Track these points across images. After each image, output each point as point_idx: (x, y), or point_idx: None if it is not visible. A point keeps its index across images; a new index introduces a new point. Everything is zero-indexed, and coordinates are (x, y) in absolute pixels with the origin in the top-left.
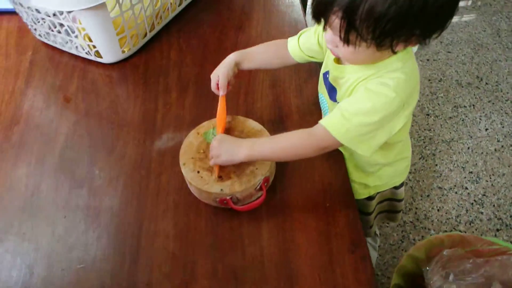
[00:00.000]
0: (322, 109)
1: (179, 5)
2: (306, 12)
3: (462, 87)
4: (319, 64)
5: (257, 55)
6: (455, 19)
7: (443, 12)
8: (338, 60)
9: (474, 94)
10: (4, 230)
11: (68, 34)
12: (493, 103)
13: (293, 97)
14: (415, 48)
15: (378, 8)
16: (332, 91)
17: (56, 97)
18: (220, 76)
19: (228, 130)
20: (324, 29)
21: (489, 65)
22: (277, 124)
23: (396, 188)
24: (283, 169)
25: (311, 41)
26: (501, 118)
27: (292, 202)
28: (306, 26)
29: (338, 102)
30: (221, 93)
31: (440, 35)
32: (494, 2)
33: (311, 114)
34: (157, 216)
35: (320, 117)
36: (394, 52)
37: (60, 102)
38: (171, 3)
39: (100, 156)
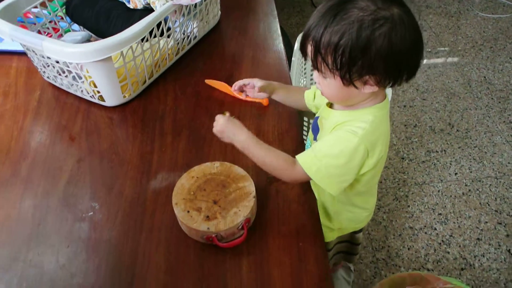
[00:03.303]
0: (306, 148)
1: (176, 54)
2: (291, 66)
3: (435, 133)
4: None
5: (290, 92)
6: (430, 68)
7: (388, 59)
8: (330, 105)
9: (446, 140)
10: (13, 256)
11: (75, 79)
12: (463, 149)
13: (275, 145)
14: (389, 94)
15: (334, 39)
16: (316, 131)
17: (62, 135)
18: (256, 81)
19: (216, 174)
20: (305, 59)
21: (460, 112)
22: (259, 169)
23: (355, 232)
24: (264, 211)
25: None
26: (469, 164)
27: (269, 241)
28: (290, 79)
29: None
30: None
31: (393, 85)
32: (466, 54)
33: None
34: (151, 250)
35: None
36: (356, 87)
37: (65, 140)
38: (168, 54)
39: (100, 193)
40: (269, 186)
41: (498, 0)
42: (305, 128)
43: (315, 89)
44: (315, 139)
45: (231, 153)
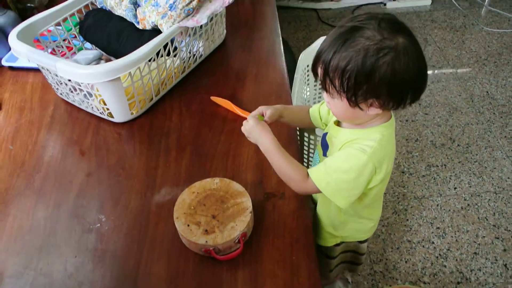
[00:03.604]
0: (313, 163)
1: (182, 72)
2: (293, 82)
3: (436, 147)
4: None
5: (294, 113)
6: (434, 83)
7: (392, 85)
8: (338, 123)
9: (446, 155)
10: (25, 265)
11: (86, 97)
12: (463, 164)
13: None
14: None
15: (341, 64)
16: (325, 147)
17: (73, 150)
18: (264, 109)
19: (216, 190)
20: (315, 79)
21: (461, 127)
22: (257, 185)
23: (360, 242)
24: (260, 226)
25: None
26: (469, 178)
27: (264, 254)
28: (290, 96)
29: (327, 157)
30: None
31: (397, 108)
32: (470, 69)
33: None
34: (153, 261)
35: None
36: (361, 109)
37: (76, 154)
38: (175, 72)
39: (107, 206)
40: (266, 201)
41: (504, 14)
42: (305, 144)
43: (318, 107)
44: (324, 154)
45: (231, 169)
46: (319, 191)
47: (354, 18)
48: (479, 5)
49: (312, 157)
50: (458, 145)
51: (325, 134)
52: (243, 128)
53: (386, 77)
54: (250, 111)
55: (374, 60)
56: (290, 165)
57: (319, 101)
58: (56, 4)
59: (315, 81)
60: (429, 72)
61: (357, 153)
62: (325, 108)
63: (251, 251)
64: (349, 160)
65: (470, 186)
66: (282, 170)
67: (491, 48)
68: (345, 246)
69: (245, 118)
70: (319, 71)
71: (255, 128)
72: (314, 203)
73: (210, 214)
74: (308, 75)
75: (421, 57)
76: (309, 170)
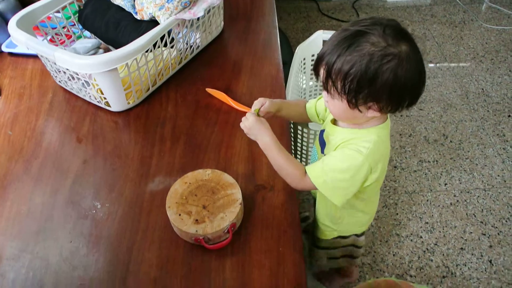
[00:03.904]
0: (311, 158)
1: (179, 63)
2: (289, 74)
3: (429, 143)
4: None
5: (291, 107)
6: (430, 78)
7: (392, 90)
8: (334, 122)
9: (439, 151)
10: (22, 248)
11: (83, 86)
12: (454, 160)
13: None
14: None
15: (345, 67)
16: (323, 145)
17: (70, 137)
18: (263, 101)
19: (207, 181)
20: (317, 79)
21: (455, 124)
22: (248, 177)
23: (357, 235)
24: (249, 217)
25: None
26: (459, 175)
27: (252, 244)
28: (285, 90)
29: (324, 154)
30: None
31: (395, 112)
32: (467, 65)
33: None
34: (144, 248)
35: None
36: (360, 111)
37: (73, 142)
38: (171, 63)
39: (102, 193)
40: (256, 193)
41: (503, 11)
42: (299, 137)
43: (314, 103)
44: (322, 152)
45: (223, 160)
46: (316, 188)
47: (359, 22)
48: (479, 1)
49: (305, 150)
50: (451, 141)
51: (322, 131)
52: (242, 125)
53: (388, 82)
54: (244, 104)
55: (378, 65)
56: (289, 162)
57: (315, 92)
58: None
59: (317, 80)
60: (426, 67)
61: (354, 154)
62: (321, 105)
63: (240, 241)
64: (346, 160)
65: (461, 183)
66: (281, 166)
67: (489, 45)
68: (343, 240)
69: (239, 111)
70: (322, 72)
71: (254, 125)
72: (314, 198)
73: (201, 204)
74: (304, 66)
75: (421, 64)
76: (307, 168)
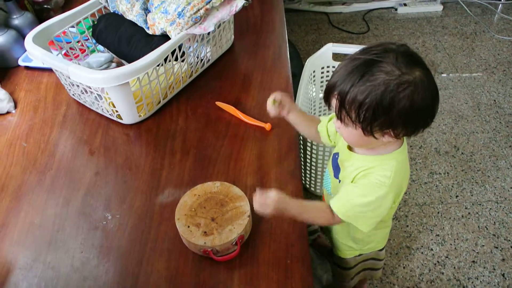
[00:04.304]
0: (324, 182)
1: (190, 77)
2: (298, 87)
3: (440, 155)
4: None
5: (303, 122)
6: (441, 90)
7: (409, 116)
8: (350, 148)
9: (450, 163)
10: (34, 258)
11: (96, 99)
12: (466, 172)
13: (274, 167)
14: None
15: (359, 97)
16: (337, 170)
17: (83, 149)
18: (278, 95)
19: (216, 194)
20: (329, 108)
21: (466, 136)
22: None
23: (379, 250)
24: (257, 229)
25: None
26: (471, 187)
27: (260, 257)
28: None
29: (339, 180)
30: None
31: (410, 136)
32: (478, 77)
33: (286, 183)
34: (154, 259)
35: (294, 186)
36: (376, 138)
37: (85, 154)
38: (182, 77)
39: (113, 204)
40: None
41: None
42: (308, 149)
43: (326, 124)
44: (335, 176)
45: (233, 172)
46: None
47: (369, 50)
48: (492, 12)
49: (314, 164)
50: (462, 153)
51: (335, 155)
52: (257, 205)
53: (405, 109)
54: (253, 117)
55: (394, 94)
56: (315, 213)
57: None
58: (72, 5)
59: (328, 109)
60: (437, 79)
61: (377, 187)
62: (332, 128)
63: (248, 253)
64: (370, 194)
65: (472, 195)
66: (310, 220)
67: (501, 56)
68: (364, 255)
69: (249, 124)
70: (334, 102)
71: (276, 204)
72: None
73: (210, 217)
74: (314, 78)
75: (434, 87)
76: (332, 205)
